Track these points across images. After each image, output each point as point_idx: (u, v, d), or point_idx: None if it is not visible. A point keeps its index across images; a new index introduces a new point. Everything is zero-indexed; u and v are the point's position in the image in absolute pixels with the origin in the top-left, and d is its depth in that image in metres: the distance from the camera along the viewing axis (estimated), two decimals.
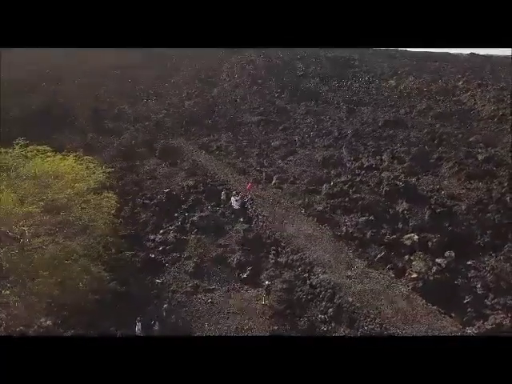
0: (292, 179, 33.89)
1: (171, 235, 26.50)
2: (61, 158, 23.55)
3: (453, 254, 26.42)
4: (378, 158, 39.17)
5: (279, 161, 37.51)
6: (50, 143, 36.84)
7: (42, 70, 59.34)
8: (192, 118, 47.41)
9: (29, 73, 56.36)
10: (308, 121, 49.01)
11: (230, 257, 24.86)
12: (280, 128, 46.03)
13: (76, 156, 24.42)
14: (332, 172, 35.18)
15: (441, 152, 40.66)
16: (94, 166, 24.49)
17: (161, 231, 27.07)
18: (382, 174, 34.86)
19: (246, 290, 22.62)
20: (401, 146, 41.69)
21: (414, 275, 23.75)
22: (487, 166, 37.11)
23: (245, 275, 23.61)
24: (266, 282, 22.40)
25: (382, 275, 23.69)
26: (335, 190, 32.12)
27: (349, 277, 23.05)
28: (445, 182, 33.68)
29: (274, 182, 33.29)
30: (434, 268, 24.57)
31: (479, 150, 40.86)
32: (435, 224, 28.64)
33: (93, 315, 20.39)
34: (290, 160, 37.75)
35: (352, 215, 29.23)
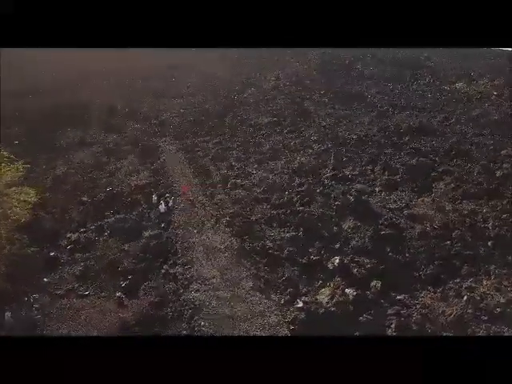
0: (249, 185, 31.63)
1: (84, 235, 26.11)
2: None
3: (379, 285, 22.65)
4: (368, 167, 35.17)
5: (253, 166, 35.27)
6: (49, 138, 39.58)
7: (88, 68, 63.03)
8: (201, 118, 46.81)
9: (70, 71, 60.45)
10: (323, 124, 45.79)
11: (123, 263, 23.76)
12: (285, 131, 43.53)
13: None
14: (297, 181, 32.14)
15: (451, 165, 35.45)
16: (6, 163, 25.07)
17: (81, 230, 26.82)
18: (354, 186, 31.07)
19: (116, 300, 21.29)
20: (405, 156, 37.02)
21: (300, 304, 20.61)
22: (501, 184, 31.50)
23: (123, 284, 22.34)
24: (117, 294, 20.97)
25: (265, 300, 20.94)
26: (283, 200, 29.27)
27: (223, 298, 20.73)
28: (418, 201, 28.96)
29: (228, 187, 31.37)
30: (335, 299, 21.13)
31: (504, 165, 34.94)
32: (376, 248, 24.79)
33: None
34: (266, 165, 35.29)
35: (284, 229, 26.39)
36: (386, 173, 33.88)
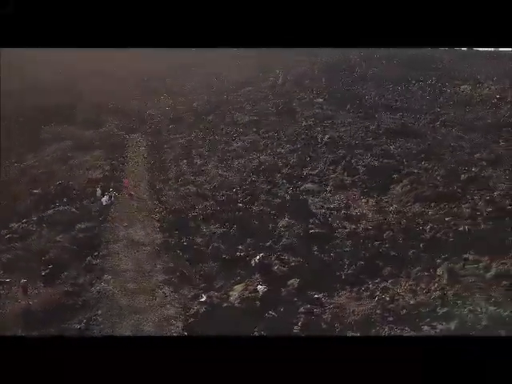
0: (200, 182, 31.75)
1: (24, 226, 26.76)
2: None
3: (297, 283, 22.33)
4: (330, 168, 34.77)
5: (214, 164, 35.39)
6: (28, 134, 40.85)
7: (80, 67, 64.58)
8: (182, 116, 47.28)
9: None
10: (302, 125, 45.53)
11: (50, 253, 24.23)
12: (262, 130, 43.49)
13: None
14: (249, 179, 32.05)
15: (418, 167, 34.68)
16: None
17: (23, 220, 27.51)
18: (304, 187, 30.75)
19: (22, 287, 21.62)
20: (371, 157, 36.37)
21: (203, 299, 20.54)
22: (462, 187, 30.63)
23: (43, 273, 22.82)
24: (22, 280, 21.36)
25: (173, 294, 20.97)
26: (226, 197, 29.25)
27: (129, 290, 20.89)
28: (362, 201, 28.39)
29: (178, 183, 31.60)
30: (244, 295, 20.95)
31: (473, 169, 34.00)
32: (303, 246, 24.48)
33: None
34: (226, 164, 35.33)
35: (217, 225, 26.37)
36: (345, 173, 33.38)
